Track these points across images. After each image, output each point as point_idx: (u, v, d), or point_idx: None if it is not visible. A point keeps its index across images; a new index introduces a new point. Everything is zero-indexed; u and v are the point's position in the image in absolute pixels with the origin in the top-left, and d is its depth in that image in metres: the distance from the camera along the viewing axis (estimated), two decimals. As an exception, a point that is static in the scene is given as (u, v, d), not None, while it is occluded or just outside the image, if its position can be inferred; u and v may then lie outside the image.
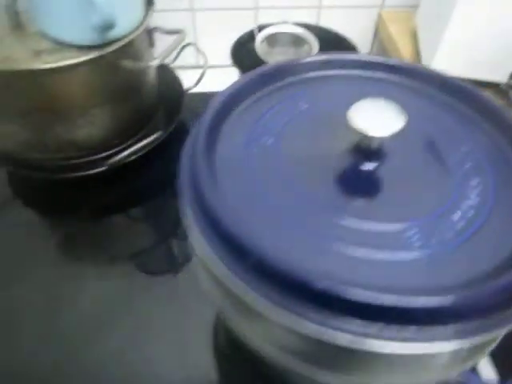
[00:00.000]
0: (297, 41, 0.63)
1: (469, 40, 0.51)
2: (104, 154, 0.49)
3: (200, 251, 0.26)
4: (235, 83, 0.33)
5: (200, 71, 0.59)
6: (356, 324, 0.22)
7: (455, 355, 0.25)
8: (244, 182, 0.28)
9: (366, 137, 0.26)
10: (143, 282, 0.44)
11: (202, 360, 0.39)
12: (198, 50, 0.58)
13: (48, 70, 0.39)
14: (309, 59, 0.35)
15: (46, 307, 0.42)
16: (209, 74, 0.60)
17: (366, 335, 0.22)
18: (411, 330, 0.22)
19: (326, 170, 0.29)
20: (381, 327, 0.22)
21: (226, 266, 0.24)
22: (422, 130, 0.31)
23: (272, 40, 0.63)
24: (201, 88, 0.60)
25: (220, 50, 0.60)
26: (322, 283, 0.22)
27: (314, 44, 0.60)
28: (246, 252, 0.23)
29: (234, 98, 0.32)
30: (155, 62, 0.43)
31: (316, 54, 0.58)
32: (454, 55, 0.53)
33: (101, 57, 0.41)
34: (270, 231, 0.25)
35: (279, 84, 0.34)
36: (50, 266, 0.45)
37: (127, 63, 0.43)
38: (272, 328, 0.26)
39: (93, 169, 0.48)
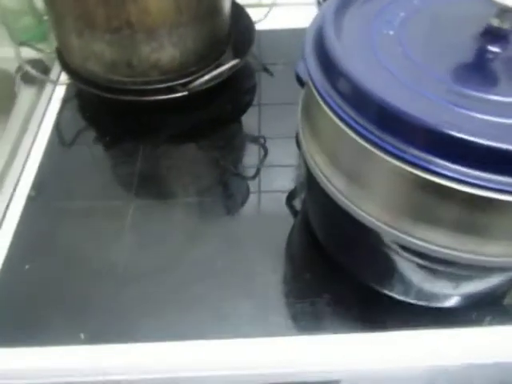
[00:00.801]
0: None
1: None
2: (184, 80, 0.50)
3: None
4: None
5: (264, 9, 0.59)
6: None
7: None
8: (369, 58, 0.28)
9: (503, 10, 0.27)
10: (217, 215, 0.45)
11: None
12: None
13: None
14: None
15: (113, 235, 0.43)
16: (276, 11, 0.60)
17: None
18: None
19: (452, 53, 0.29)
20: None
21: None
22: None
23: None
24: (268, 25, 0.61)
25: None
26: (444, 127, 0.23)
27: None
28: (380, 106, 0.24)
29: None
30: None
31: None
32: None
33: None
34: (396, 93, 0.25)
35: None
36: (133, 188, 0.47)
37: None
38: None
39: (173, 93, 0.49)
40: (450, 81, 0.27)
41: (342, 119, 0.27)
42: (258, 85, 0.59)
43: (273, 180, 0.48)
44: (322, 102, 0.28)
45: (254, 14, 0.61)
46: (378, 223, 0.29)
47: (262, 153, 0.51)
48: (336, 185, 0.31)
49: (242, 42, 0.56)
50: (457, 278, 0.33)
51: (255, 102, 0.57)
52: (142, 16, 0.43)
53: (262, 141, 0.52)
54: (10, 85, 0.61)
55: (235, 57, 0.54)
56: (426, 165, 0.24)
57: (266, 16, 0.58)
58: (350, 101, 0.27)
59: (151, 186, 0.47)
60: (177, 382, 0.36)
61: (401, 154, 0.24)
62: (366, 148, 0.26)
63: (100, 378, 0.35)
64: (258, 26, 0.60)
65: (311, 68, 0.29)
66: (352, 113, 0.26)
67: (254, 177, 0.49)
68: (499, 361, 0.36)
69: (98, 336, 0.36)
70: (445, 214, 0.26)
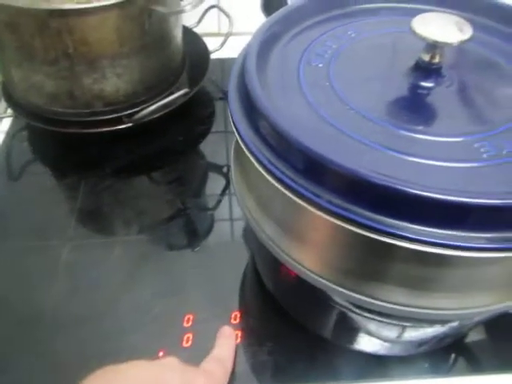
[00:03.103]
0: None
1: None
2: (130, 111, 0.48)
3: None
4: (281, 11, 0.32)
5: (222, 38, 0.58)
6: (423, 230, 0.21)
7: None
8: (296, 97, 0.26)
9: (431, 45, 0.25)
10: (157, 256, 0.42)
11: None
12: (223, 12, 0.56)
13: (79, 11, 0.38)
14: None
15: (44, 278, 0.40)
16: (233, 40, 0.59)
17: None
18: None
19: (383, 88, 0.28)
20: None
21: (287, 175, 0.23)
22: (480, 52, 0.30)
23: None
24: (224, 54, 0.60)
25: (245, 16, 0.59)
26: (381, 179, 0.20)
27: None
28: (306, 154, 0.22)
29: (280, 24, 0.31)
30: (188, 7, 0.42)
31: None
32: None
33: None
34: (325, 139, 0.24)
35: (325, 16, 0.33)
36: (71, 225, 0.44)
37: (158, 8, 0.42)
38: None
39: (119, 124, 0.47)
40: (379, 119, 0.25)
41: (262, 165, 0.24)
42: (222, 113, 0.57)
43: (233, 211, 0.46)
44: (243, 145, 0.26)
45: (215, 42, 0.60)
46: (312, 275, 0.26)
47: (226, 181, 0.49)
48: (268, 233, 0.28)
49: (197, 71, 0.54)
50: (403, 328, 0.30)
51: (217, 129, 0.55)
52: (80, 47, 0.41)
53: (225, 169, 0.50)
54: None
55: (190, 86, 0.52)
56: (354, 217, 0.21)
57: (222, 45, 0.57)
58: (271, 145, 0.24)
59: (90, 223, 0.45)
60: None
61: (327, 206, 0.22)
62: (290, 198, 0.24)
63: None
64: (220, 54, 0.59)
65: (233, 109, 0.27)
66: (273, 158, 0.24)
67: (215, 207, 0.47)
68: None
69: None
70: (380, 269, 0.24)
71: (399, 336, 0.31)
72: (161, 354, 0.35)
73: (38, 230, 0.44)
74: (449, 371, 0.35)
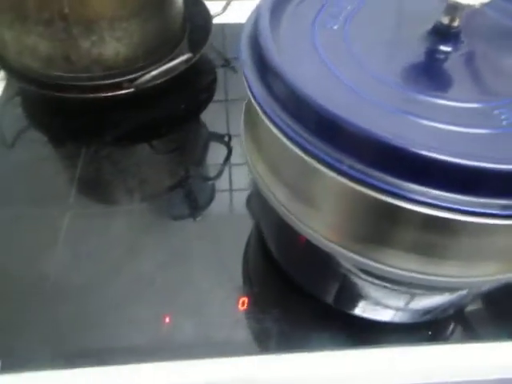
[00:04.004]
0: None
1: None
2: (131, 76, 0.46)
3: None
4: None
5: (224, 2, 0.56)
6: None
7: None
8: (311, 59, 0.25)
9: (452, 6, 0.24)
10: (159, 226, 0.42)
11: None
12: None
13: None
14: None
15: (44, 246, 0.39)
16: (235, 4, 0.57)
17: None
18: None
19: (400, 52, 0.27)
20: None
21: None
22: (499, 19, 0.29)
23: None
24: (226, 19, 0.58)
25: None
26: (398, 141, 0.20)
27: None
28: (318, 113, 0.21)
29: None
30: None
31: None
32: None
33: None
34: (341, 100, 0.23)
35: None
36: (71, 194, 0.43)
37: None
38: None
39: (119, 90, 0.45)
40: (397, 83, 0.25)
41: (278, 127, 0.24)
42: (222, 79, 0.56)
43: (239, 178, 0.45)
44: (257, 107, 0.25)
45: (217, 6, 0.57)
46: (323, 240, 0.26)
47: (227, 152, 0.48)
48: (279, 198, 0.28)
49: (198, 36, 0.52)
50: (410, 295, 0.31)
51: (218, 97, 0.54)
52: (77, 7, 0.39)
53: (226, 139, 0.49)
54: None
55: (192, 51, 0.50)
56: (370, 181, 0.21)
57: (224, 9, 0.55)
58: (286, 106, 0.24)
59: (91, 192, 0.44)
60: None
61: (342, 168, 0.22)
62: (305, 160, 0.23)
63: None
64: (220, 20, 0.57)
65: (246, 69, 0.26)
66: (287, 118, 0.24)
67: (216, 177, 0.46)
68: (454, 380, 0.34)
69: (18, 363, 0.32)
70: (389, 233, 0.23)
71: (406, 304, 0.31)
72: (167, 320, 0.35)
73: (38, 198, 0.43)
74: (448, 339, 0.36)
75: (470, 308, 0.38)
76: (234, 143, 0.49)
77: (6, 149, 0.48)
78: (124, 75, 0.46)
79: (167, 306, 0.36)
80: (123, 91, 0.45)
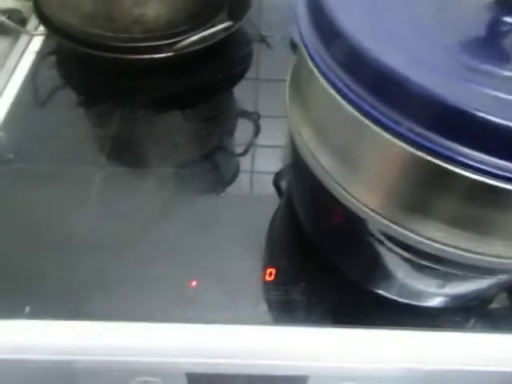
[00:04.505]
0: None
1: None
2: (171, 40, 0.46)
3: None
4: None
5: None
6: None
7: None
8: (369, 17, 0.24)
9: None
10: (188, 192, 0.41)
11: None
12: None
13: None
14: None
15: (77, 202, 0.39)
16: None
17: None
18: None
19: (463, 20, 0.25)
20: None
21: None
22: None
23: None
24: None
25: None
26: (459, 103, 0.19)
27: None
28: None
29: None
30: None
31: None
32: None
33: None
34: (397, 56, 0.22)
35: None
36: (105, 153, 0.43)
37: None
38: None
39: (158, 53, 0.45)
40: (459, 51, 0.23)
41: (333, 84, 0.23)
42: (255, 57, 0.55)
43: (262, 160, 0.45)
44: (311, 64, 0.24)
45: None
46: (364, 209, 0.26)
47: (255, 130, 0.48)
48: (322, 162, 0.27)
49: (239, 6, 0.52)
50: (444, 277, 0.30)
51: (250, 74, 0.53)
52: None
53: (255, 117, 0.49)
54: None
55: (231, 20, 0.49)
56: (425, 143, 0.20)
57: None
58: (344, 63, 0.23)
59: (125, 152, 0.43)
60: (129, 367, 0.33)
61: (397, 128, 0.21)
62: (358, 119, 0.22)
63: (43, 357, 0.31)
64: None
65: (302, 23, 0.25)
66: (345, 77, 0.23)
67: (242, 154, 0.45)
68: (476, 369, 0.33)
69: (45, 311, 0.32)
70: (441, 203, 0.23)
71: (439, 287, 0.31)
72: (194, 283, 0.35)
73: (71, 156, 0.43)
74: (475, 327, 0.35)
75: (498, 297, 0.37)
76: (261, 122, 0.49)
77: (41, 107, 0.48)
78: (164, 39, 0.45)
79: (194, 270, 0.35)
80: (162, 55, 0.45)
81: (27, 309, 0.32)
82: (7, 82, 0.47)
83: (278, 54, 0.54)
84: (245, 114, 0.49)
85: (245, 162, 0.44)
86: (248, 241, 0.38)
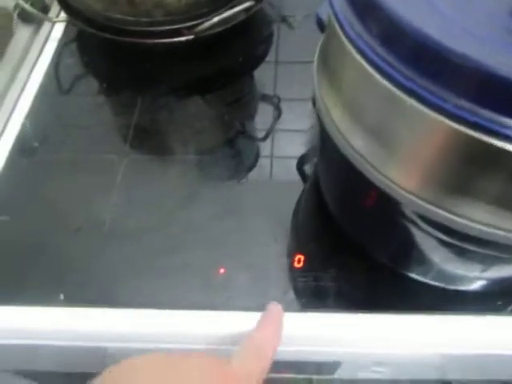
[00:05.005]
0: None
1: None
2: (191, 23, 0.44)
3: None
4: None
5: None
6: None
7: None
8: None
9: None
10: (211, 178, 0.41)
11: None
12: None
13: None
14: None
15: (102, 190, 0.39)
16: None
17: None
18: None
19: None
20: None
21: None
22: None
23: None
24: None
25: None
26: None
27: None
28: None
29: None
30: None
31: None
32: None
33: None
34: (440, 27, 0.20)
35: None
36: (128, 141, 0.43)
37: None
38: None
39: (179, 37, 0.44)
40: (505, 18, 0.22)
41: (370, 59, 0.22)
42: (276, 38, 0.53)
43: (284, 144, 0.43)
44: (345, 40, 0.23)
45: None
46: (402, 191, 0.24)
47: (275, 114, 0.46)
48: (354, 144, 0.26)
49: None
50: (487, 260, 0.28)
51: (271, 57, 0.51)
52: None
53: (275, 101, 0.47)
54: (8, 23, 0.57)
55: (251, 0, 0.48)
56: (470, 117, 0.19)
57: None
58: (382, 37, 0.22)
59: (148, 139, 0.43)
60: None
61: (440, 103, 0.19)
62: (395, 95, 0.21)
63: (78, 343, 0.32)
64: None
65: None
66: (383, 51, 0.21)
67: (263, 139, 0.44)
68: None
69: (78, 297, 0.33)
70: (485, 183, 0.21)
71: (481, 271, 0.29)
72: (221, 270, 0.34)
73: (94, 144, 0.42)
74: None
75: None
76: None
77: (64, 95, 0.48)
78: (184, 21, 0.44)
79: (221, 257, 0.35)
80: (183, 38, 0.44)
81: (61, 296, 0.33)
82: (31, 71, 0.47)
83: (300, 35, 0.53)
84: (265, 98, 0.48)
85: (266, 147, 0.43)
86: (274, 226, 0.37)
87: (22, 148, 0.42)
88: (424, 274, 0.32)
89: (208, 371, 0.24)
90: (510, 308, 0.33)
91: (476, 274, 0.30)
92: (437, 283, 0.32)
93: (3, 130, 0.43)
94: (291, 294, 0.33)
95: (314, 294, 0.33)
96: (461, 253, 0.27)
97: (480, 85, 0.19)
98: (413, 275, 0.33)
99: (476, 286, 0.32)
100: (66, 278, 0.34)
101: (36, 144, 0.43)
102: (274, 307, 0.31)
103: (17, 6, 0.54)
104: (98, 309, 0.32)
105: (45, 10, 0.55)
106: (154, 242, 0.36)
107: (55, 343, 0.32)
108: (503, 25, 0.21)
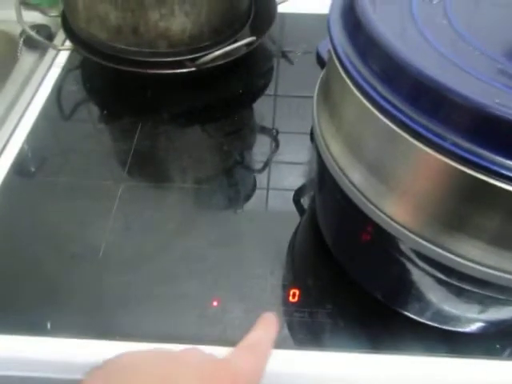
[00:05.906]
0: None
1: None
2: (194, 55, 0.45)
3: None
4: None
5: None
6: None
7: None
8: (412, 34, 0.23)
9: None
10: (209, 207, 0.41)
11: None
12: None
13: None
14: None
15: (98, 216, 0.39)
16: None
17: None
18: None
19: (504, 28, 0.24)
20: None
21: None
22: None
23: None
24: (293, 8, 0.57)
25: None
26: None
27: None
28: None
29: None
30: None
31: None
32: None
33: None
34: (438, 67, 0.21)
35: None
36: (126, 167, 0.43)
37: None
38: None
39: (181, 68, 0.45)
40: (501, 59, 0.22)
41: (369, 96, 0.22)
42: (276, 73, 0.54)
43: (282, 176, 0.44)
44: (345, 76, 0.24)
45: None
46: (398, 226, 0.24)
47: (273, 146, 0.47)
48: (353, 178, 0.26)
49: (262, 22, 0.51)
50: (485, 301, 0.28)
51: (270, 91, 0.52)
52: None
53: (274, 133, 0.48)
54: (13, 49, 0.58)
55: (254, 35, 0.49)
56: (468, 156, 0.19)
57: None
58: (381, 74, 0.22)
59: (146, 166, 0.43)
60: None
61: (439, 142, 0.20)
62: (394, 132, 0.21)
63: (63, 376, 0.30)
64: (282, 9, 0.56)
65: (334, 35, 0.24)
66: (382, 89, 0.22)
67: (261, 170, 0.44)
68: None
69: (66, 327, 0.32)
70: (484, 222, 0.21)
71: (478, 313, 0.29)
72: (215, 303, 0.33)
73: (93, 169, 0.42)
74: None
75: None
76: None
77: (64, 120, 0.48)
78: (187, 53, 0.45)
79: (215, 288, 0.34)
80: (184, 69, 0.45)
81: (48, 324, 0.32)
82: (33, 95, 0.48)
83: (299, 71, 0.54)
84: (264, 130, 0.49)
85: (263, 179, 0.44)
86: (270, 258, 0.37)
87: (20, 171, 0.42)
88: (420, 314, 0.31)
89: (206, 365, 0.25)
90: (507, 352, 0.32)
91: (473, 315, 0.29)
92: (433, 323, 0.32)
93: (1, 152, 0.43)
94: (285, 330, 0.33)
95: (309, 330, 0.33)
96: (458, 292, 0.27)
97: (477, 124, 0.19)
98: (409, 314, 0.32)
99: (473, 327, 0.32)
100: (55, 306, 0.33)
101: (33, 169, 0.43)
102: (268, 315, 0.32)
103: (23, 32, 0.55)
104: (86, 340, 0.31)
105: (50, 37, 0.57)
106: (148, 270, 0.35)
107: (41, 375, 0.31)
108: (496, 65, 0.22)
